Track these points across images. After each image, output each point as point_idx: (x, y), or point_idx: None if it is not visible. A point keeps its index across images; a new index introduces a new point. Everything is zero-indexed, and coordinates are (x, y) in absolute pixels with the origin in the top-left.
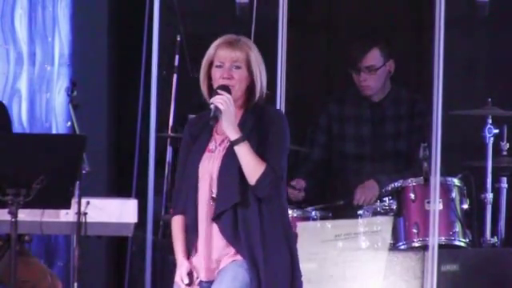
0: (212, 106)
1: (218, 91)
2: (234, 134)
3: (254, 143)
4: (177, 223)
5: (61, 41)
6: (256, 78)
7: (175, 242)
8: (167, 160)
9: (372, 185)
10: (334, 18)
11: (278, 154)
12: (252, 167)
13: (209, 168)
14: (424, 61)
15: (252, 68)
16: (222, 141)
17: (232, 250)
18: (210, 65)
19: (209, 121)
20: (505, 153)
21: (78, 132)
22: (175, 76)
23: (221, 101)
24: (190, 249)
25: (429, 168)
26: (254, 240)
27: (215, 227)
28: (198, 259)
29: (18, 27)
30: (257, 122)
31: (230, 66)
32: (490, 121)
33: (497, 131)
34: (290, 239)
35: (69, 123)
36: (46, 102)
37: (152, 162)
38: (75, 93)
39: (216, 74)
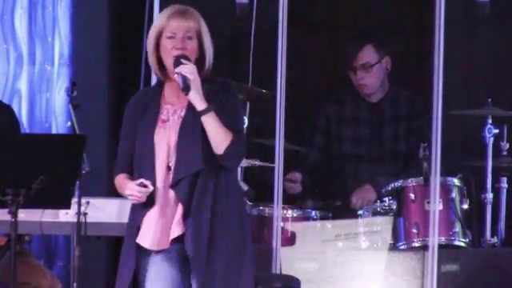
0: (177, 77)
1: (182, 61)
2: (201, 104)
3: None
4: (122, 176)
5: (61, 41)
6: (206, 48)
7: (122, 184)
8: None
9: (368, 188)
10: (334, 18)
11: (240, 123)
12: (220, 136)
13: (165, 137)
14: (424, 61)
15: (203, 39)
16: (175, 111)
17: (177, 219)
18: (159, 36)
19: (182, 90)
20: (505, 153)
21: (78, 132)
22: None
23: (188, 70)
24: (142, 218)
25: (429, 168)
26: (204, 208)
27: (171, 196)
28: (150, 229)
29: (17, 27)
30: (209, 92)
31: (182, 37)
32: (490, 121)
33: (497, 131)
34: (244, 215)
35: (69, 123)
36: (45, 102)
37: None
38: (75, 93)
39: (167, 45)
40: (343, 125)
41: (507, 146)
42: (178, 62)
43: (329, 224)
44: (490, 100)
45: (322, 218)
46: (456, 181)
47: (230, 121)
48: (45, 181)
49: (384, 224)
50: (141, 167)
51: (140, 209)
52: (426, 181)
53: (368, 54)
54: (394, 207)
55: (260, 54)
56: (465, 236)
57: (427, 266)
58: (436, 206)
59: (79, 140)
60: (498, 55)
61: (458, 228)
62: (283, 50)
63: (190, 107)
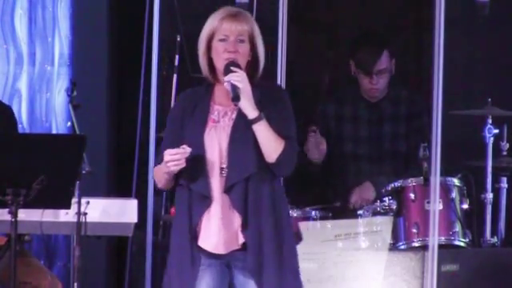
0: (227, 85)
1: (232, 68)
2: (253, 113)
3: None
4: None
5: (61, 41)
6: (259, 52)
7: (160, 166)
8: None
9: (368, 187)
10: (334, 18)
11: (292, 129)
12: (272, 144)
13: (216, 138)
14: (424, 61)
15: (256, 42)
16: (226, 112)
17: (239, 226)
18: (211, 38)
19: (232, 100)
20: (505, 153)
21: (78, 132)
22: (175, 76)
23: (238, 79)
24: (197, 222)
25: (429, 168)
26: (263, 216)
27: (227, 199)
28: (213, 232)
29: (17, 27)
30: (261, 97)
31: (234, 40)
32: (489, 121)
33: (497, 131)
34: (291, 223)
35: (69, 123)
36: (45, 102)
37: (152, 161)
38: (75, 93)
39: (219, 47)
40: (343, 124)
41: (507, 145)
42: (227, 70)
43: (329, 224)
44: (490, 100)
45: (322, 218)
46: (456, 181)
47: (281, 127)
48: (45, 181)
49: (384, 224)
50: (192, 165)
51: (197, 208)
52: (426, 181)
53: (385, 60)
54: (394, 207)
55: None
56: (465, 236)
57: (427, 266)
58: (436, 205)
59: (79, 140)
60: (497, 55)
61: (457, 228)
62: (283, 50)
63: (241, 110)
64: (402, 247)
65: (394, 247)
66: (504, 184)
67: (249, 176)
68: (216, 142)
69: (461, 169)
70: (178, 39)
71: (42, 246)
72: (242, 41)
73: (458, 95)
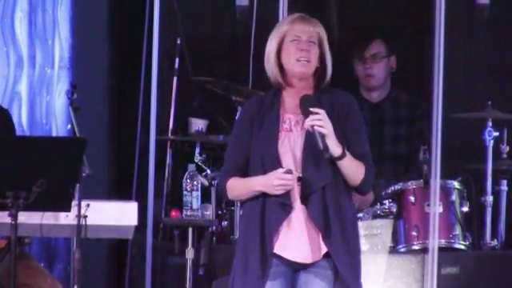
0: (309, 127)
1: (311, 110)
2: (337, 151)
3: (335, 127)
4: (236, 178)
5: (61, 43)
6: (327, 57)
7: (247, 182)
8: (167, 163)
9: None
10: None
11: (367, 146)
12: (355, 173)
13: (290, 148)
14: (424, 63)
15: (324, 47)
16: (297, 121)
17: (322, 234)
18: (282, 41)
19: (321, 152)
20: (505, 156)
21: (78, 135)
22: (175, 79)
23: (321, 123)
24: (273, 230)
25: (429, 171)
26: (349, 231)
27: (303, 207)
28: (292, 240)
29: (18, 30)
30: (331, 103)
31: (306, 40)
32: (490, 124)
33: (497, 134)
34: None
35: (69, 126)
36: (46, 104)
37: (152, 164)
38: (75, 95)
39: (291, 47)
40: None
41: (507, 148)
42: (306, 111)
43: None
44: (490, 103)
45: None
46: (456, 183)
47: (359, 148)
48: (45, 183)
49: (384, 227)
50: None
51: (275, 215)
52: (426, 183)
53: (378, 46)
54: (394, 210)
55: (260, 56)
56: (465, 239)
57: (427, 269)
58: (436, 208)
59: (79, 143)
60: (497, 58)
61: (458, 231)
62: None
63: None
64: (402, 250)
65: (394, 250)
66: (504, 187)
67: (325, 186)
68: (290, 153)
69: (461, 172)
70: (178, 42)
71: (42, 249)
72: (313, 42)
73: (458, 98)
